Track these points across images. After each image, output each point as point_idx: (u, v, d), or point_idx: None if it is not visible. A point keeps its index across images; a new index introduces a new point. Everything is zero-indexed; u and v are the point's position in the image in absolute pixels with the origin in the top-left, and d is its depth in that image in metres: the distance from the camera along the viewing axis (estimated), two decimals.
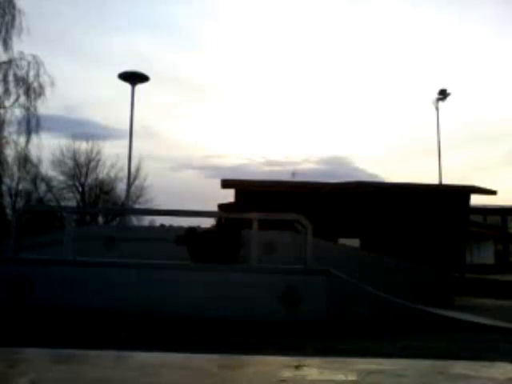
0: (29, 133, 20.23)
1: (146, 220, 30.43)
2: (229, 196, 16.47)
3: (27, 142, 20.37)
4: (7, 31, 19.60)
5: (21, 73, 20.17)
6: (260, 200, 13.41)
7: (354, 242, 14.56)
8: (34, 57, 20.31)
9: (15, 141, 20.51)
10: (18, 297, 5.22)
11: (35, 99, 20.26)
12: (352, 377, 2.76)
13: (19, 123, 20.30)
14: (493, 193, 17.50)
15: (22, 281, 5.27)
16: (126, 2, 50.72)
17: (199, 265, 5.79)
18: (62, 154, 35.68)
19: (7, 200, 32.15)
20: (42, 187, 34.66)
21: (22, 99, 20.28)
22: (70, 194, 36.60)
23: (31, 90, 20.23)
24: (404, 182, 18.23)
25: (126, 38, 50.10)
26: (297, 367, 2.98)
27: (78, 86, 45.31)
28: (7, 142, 20.53)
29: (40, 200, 34.01)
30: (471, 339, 4.69)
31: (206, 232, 7.59)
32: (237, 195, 15.86)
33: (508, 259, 32.28)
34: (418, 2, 53.45)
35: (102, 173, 36.71)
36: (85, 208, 31.36)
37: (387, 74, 55.85)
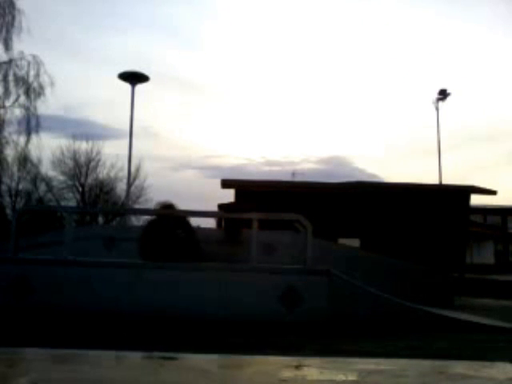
0: (29, 133, 20.23)
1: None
2: (229, 196, 16.47)
3: (27, 141, 20.36)
4: (7, 31, 19.59)
5: (21, 73, 20.16)
6: (260, 200, 13.40)
7: (354, 242, 14.56)
8: (34, 57, 20.31)
9: (15, 141, 20.49)
10: (17, 297, 5.22)
11: (35, 99, 20.26)
12: (352, 377, 2.76)
13: (19, 123, 20.30)
14: (493, 193, 17.51)
15: (21, 281, 5.26)
16: (126, 1, 50.68)
17: (199, 265, 5.78)
18: (62, 154, 35.67)
19: (7, 200, 32.15)
20: (42, 187, 34.62)
21: (22, 99, 20.27)
22: (70, 194, 36.58)
23: (31, 89, 20.23)
24: (404, 182, 18.23)
25: (125, 37, 50.07)
26: (297, 367, 2.98)
27: (78, 85, 45.27)
28: (7, 142, 20.52)
29: (40, 200, 34.00)
30: (471, 339, 4.69)
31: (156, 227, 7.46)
32: (237, 195, 15.87)
33: (508, 259, 32.27)
34: (417, 2, 53.43)
35: (102, 173, 36.69)
36: (85, 208, 31.35)
37: (387, 74, 55.81)
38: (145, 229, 6.81)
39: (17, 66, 20.09)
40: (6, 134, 20.46)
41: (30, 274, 5.33)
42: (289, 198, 15.16)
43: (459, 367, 3.15)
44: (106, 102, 48.04)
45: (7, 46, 19.67)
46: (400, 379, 2.74)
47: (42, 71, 20.24)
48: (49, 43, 41.83)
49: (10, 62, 19.97)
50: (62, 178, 35.82)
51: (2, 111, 20.04)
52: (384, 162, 50.41)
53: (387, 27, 49.07)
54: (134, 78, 16.52)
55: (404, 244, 14.74)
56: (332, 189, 16.81)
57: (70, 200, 35.69)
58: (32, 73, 20.15)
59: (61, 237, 5.96)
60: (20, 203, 32.04)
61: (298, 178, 26.51)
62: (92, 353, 3.36)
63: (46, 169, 32.43)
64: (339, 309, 5.26)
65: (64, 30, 47.52)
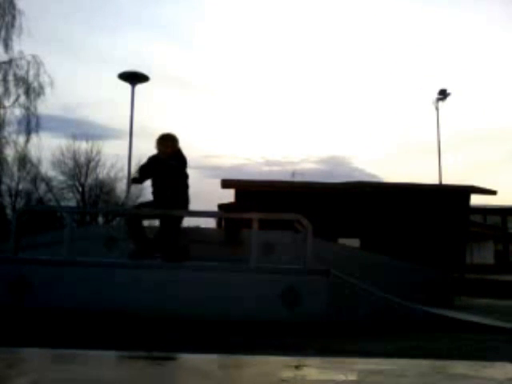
0: (29, 133, 20.26)
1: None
2: (229, 196, 16.49)
3: (27, 141, 20.40)
4: (7, 31, 19.63)
5: (21, 73, 20.20)
6: (260, 200, 13.40)
7: (354, 242, 14.58)
8: (34, 57, 20.34)
9: (15, 141, 20.54)
10: (17, 297, 5.22)
11: (35, 99, 20.30)
12: (352, 377, 2.76)
13: (19, 123, 20.33)
14: (493, 193, 17.52)
15: (21, 281, 5.26)
16: (126, 1, 50.67)
17: (199, 265, 5.78)
18: (62, 154, 35.69)
19: (7, 200, 32.18)
20: (42, 187, 34.66)
21: (22, 99, 20.31)
22: (70, 194, 36.64)
23: (31, 89, 20.26)
24: (404, 181, 18.23)
25: (125, 37, 50.05)
26: (297, 367, 2.98)
27: (78, 85, 45.31)
28: (7, 142, 20.54)
29: (40, 200, 34.02)
30: (471, 339, 4.68)
31: None
32: (237, 195, 15.88)
33: (508, 259, 32.28)
34: (417, 2, 53.43)
35: (102, 173, 36.74)
36: (85, 208, 31.35)
37: (387, 74, 55.81)
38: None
39: (17, 65, 20.12)
40: (5, 133, 20.49)
41: (29, 273, 5.32)
42: (289, 197, 15.16)
43: (459, 367, 3.15)
44: (105, 101, 48.04)
45: (7, 46, 19.71)
46: (400, 379, 2.74)
47: (41, 71, 20.28)
48: (49, 43, 41.83)
49: (10, 61, 20.00)
50: (61, 177, 35.84)
51: (1, 111, 20.05)
52: (383, 161, 50.49)
53: (387, 26, 49.07)
54: (133, 77, 16.53)
55: (404, 244, 14.75)
56: (332, 189, 16.82)
57: (70, 200, 35.74)
58: (32, 73, 20.19)
59: (61, 237, 5.95)
60: (20, 203, 32.07)
61: (298, 178, 26.53)
62: (92, 353, 3.36)
63: (46, 169, 32.47)
64: (339, 309, 5.25)
65: (64, 29, 47.52)
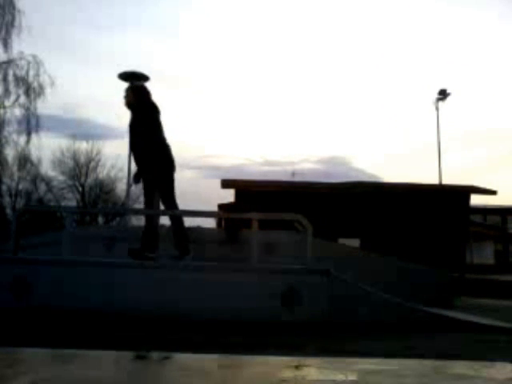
0: (29, 133, 20.27)
1: None
2: (229, 196, 16.50)
3: (27, 141, 20.41)
4: (7, 31, 19.64)
5: (21, 73, 20.21)
6: (260, 200, 13.42)
7: (354, 242, 14.58)
8: (34, 57, 20.35)
9: (15, 141, 20.55)
10: (17, 297, 5.21)
11: (35, 99, 20.31)
12: (352, 377, 2.76)
13: (19, 123, 20.34)
14: (493, 193, 17.53)
15: (21, 281, 5.26)
16: (127, 1, 50.64)
17: (200, 265, 5.78)
18: (62, 154, 35.69)
19: (7, 200, 32.18)
20: (42, 187, 34.67)
21: (22, 99, 20.33)
22: (70, 194, 36.64)
23: (31, 89, 20.27)
24: (404, 181, 18.24)
25: (125, 37, 50.00)
26: (297, 367, 2.98)
27: (78, 85, 45.30)
28: (7, 142, 20.54)
29: (40, 200, 34.02)
30: (471, 339, 4.68)
31: None
32: (237, 195, 15.87)
33: (508, 259, 32.27)
34: (417, 2, 53.41)
35: (102, 173, 36.75)
36: (85, 208, 31.35)
37: (387, 74, 55.79)
38: None
39: (17, 65, 20.13)
40: (5, 133, 20.48)
41: (29, 273, 5.32)
42: (289, 197, 15.17)
43: (459, 367, 3.15)
44: (106, 101, 48.01)
45: (7, 46, 19.73)
46: (400, 379, 2.74)
47: (41, 71, 20.30)
48: (49, 43, 41.81)
49: (10, 61, 20.01)
50: (61, 177, 35.83)
51: (1, 111, 20.05)
52: (383, 161, 50.49)
53: (387, 26, 49.04)
54: (134, 77, 16.52)
55: (404, 244, 14.75)
56: (332, 189, 16.82)
57: (70, 200, 35.76)
58: (32, 73, 20.20)
59: (60, 237, 5.96)
60: (20, 203, 32.06)
61: (298, 178, 26.54)
62: (92, 353, 3.36)
63: (46, 169, 32.45)
64: (339, 309, 5.25)
65: (64, 29, 47.51)
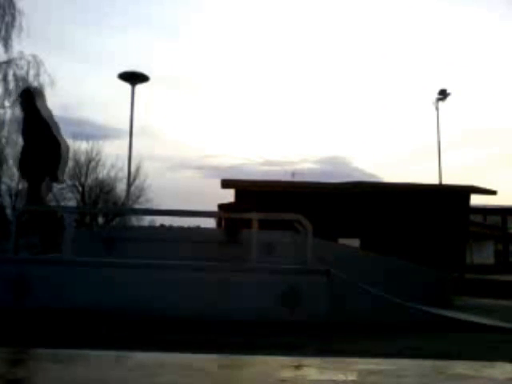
0: None
1: (146, 220, 30.46)
2: (229, 196, 16.49)
3: None
4: (7, 31, 19.64)
5: (21, 73, 20.21)
6: (260, 200, 13.40)
7: (354, 242, 14.58)
8: (34, 56, 20.35)
9: (15, 141, 20.50)
10: (17, 297, 5.22)
11: None
12: (352, 377, 2.76)
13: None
14: (493, 193, 17.53)
15: (21, 281, 5.26)
16: (126, 1, 50.68)
17: (200, 265, 5.78)
18: None
19: (7, 200, 32.15)
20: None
21: None
22: (70, 194, 36.61)
23: None
24: (404, 181, 18.24)
25: (125, 37, 50.04)
26: (297, 367, 2.98)
27: (78, 85, 45.29)
28: (7, 142, 20.53)
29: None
30: (471, 339, 4.69)
31: None
32: (237, 195, 15.87)
33: (508, 259, 32.30)
34: (417, 2, 53.44)
35: (102, 173, 36.75)
36: (85, 208, 31.34)
37: (387, 74, 55.81)
38: None
39: (17, 65, 20.13)
40: (5, 133, 20.47)
41: (29, 273, 5.33)
42: (289, 197, 15.16)
43: (459, 367, 3.15)
44: (105, 101, 48.03)
45: (7, 46, 19.72)
46: (400, 379, 2.74)
47: (41, 71, 20.29)
48: (49, 43, 41.81)
49: (10, 61, 20.00)
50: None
51: (1, 111, 20.05)
52: (383, 161, 50.49)
53: (387, 26, 49.08)
54: (134, 77, 16.55)
55: (404, 244, 14.75)
56: (332, 189, 16.82)
57: (70, 200, 35.72)
58: (32, 72, 20.20)
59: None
60: (20, 203, 32.01)
61: (298, 178, 26.55)
62: (92, 353, 3.36)
63: None
64: (339, 309, 5.25)
65: (64, 29, 47.52)
